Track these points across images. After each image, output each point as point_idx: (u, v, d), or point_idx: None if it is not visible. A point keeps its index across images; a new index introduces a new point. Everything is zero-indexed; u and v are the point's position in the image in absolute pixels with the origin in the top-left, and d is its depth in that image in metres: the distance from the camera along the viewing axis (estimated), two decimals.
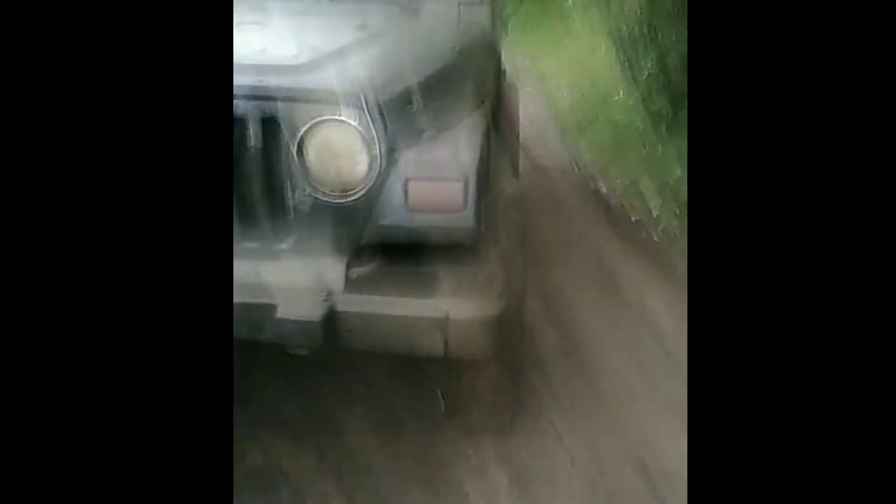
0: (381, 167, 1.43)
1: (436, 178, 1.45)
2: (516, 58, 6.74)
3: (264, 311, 1.39)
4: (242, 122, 1.41)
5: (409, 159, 1.45)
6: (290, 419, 1.90)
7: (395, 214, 1.44)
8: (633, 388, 2.12)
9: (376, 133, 1.43)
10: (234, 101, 1.39)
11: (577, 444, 1.87)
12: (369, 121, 1.43)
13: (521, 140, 3.68)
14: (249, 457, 1.76)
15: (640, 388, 2.12)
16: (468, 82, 1.82)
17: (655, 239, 2.99)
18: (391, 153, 1.44)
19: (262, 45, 1.63)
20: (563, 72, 5.08)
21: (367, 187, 1.44)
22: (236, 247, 1.45)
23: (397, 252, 1.51)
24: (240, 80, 1.37)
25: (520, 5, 6.51)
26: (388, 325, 1.43)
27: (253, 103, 1.41)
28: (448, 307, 1.43)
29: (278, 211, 1.46)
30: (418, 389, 1.93)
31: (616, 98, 3.86)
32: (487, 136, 1.64)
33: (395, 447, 1.82)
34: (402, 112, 1.47)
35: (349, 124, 1.43)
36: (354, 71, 1.55)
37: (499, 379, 1.67)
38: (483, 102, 1.90)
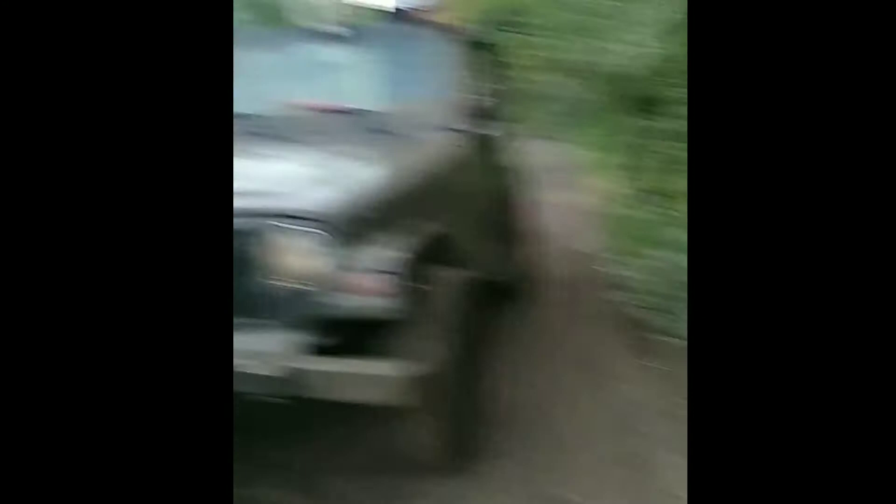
0: (333, 263, 2.00)
1: (369, 270, 1.99)
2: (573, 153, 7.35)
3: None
4: (239, 233, 2.02)
5: (353, 257, 2.00)
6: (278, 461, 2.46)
7: (341, 297, 1.99)
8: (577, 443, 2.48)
9: (332, 239, 2.00)
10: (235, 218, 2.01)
11: (520, 489, 2.26)
12: (327, 231, 2.01)
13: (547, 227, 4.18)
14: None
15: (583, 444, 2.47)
16: (423, 199, 2.39)
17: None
18: (342, 253, 2.00)
19: (267, 174, 2.33)
20: (608, 166, 5.49)
21: (322, 277, 2.00)
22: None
23: (346, 325, 2.06)
24: (242, 202, 2.02)
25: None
26: (331, 379, 1.95)
27: (247, 218, 2.03)
28: (375, 366, 1.95)
29: (260, 296, 2.05)
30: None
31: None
32: (430, 238, 2.20)
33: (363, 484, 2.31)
34: (353, 224, 2.04)
35: (312, 233, 2.01)
36: (323, 194, 2.15)
37: (439, 428, 2.13)
38: (444, 212, 2.47)
